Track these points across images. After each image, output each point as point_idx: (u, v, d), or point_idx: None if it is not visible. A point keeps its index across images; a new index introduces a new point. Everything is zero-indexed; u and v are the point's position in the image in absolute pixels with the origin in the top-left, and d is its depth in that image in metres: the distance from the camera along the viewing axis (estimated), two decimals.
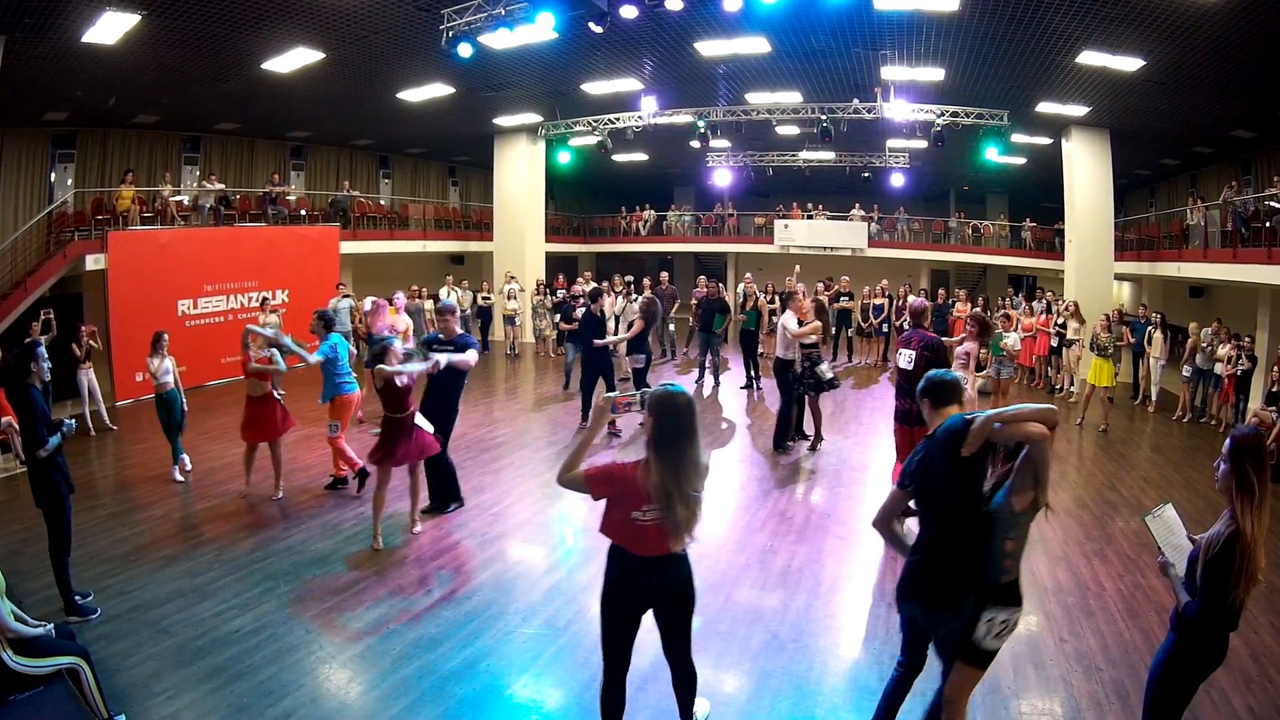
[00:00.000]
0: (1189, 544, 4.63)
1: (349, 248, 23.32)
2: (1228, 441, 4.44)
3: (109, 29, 13.34)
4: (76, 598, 7.04)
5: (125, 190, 18.78)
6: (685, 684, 5.29)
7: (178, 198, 20.04)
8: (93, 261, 16.80)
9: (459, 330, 9.93)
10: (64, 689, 4.98)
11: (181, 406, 11.46)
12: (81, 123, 19.16)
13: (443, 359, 9.21)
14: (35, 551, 7.39)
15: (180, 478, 11.19)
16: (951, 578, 4.59)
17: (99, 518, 9.65)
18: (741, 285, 21.50)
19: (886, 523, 5.00)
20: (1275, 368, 13.84)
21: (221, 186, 21.29)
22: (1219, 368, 15.96)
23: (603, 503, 4.84)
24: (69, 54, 14.21)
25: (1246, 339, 15.92)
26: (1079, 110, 19.60)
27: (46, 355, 7.29)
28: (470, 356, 9.52)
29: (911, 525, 5.29)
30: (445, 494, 10.04)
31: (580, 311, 16.24)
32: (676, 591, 4.97)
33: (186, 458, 11.50)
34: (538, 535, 9.47)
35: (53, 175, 19.15)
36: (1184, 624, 4.35)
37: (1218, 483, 4.47)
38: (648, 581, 4.85)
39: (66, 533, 6.97)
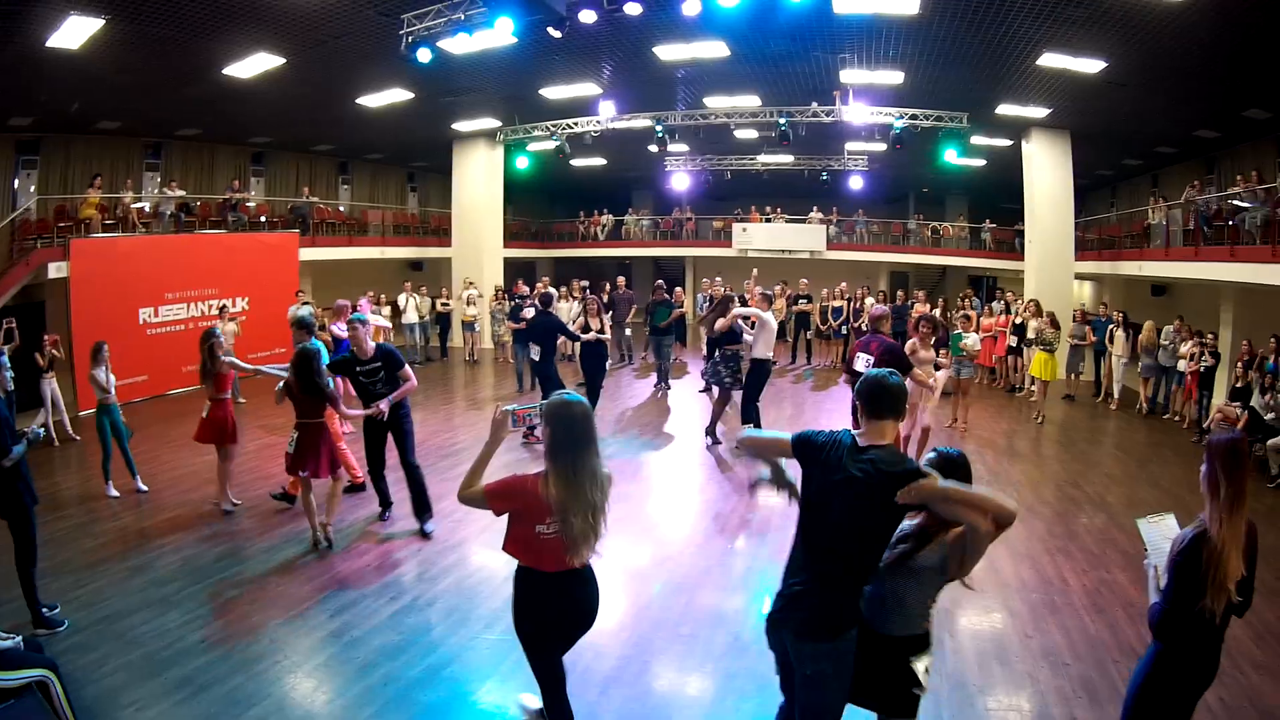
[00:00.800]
0: None
1: (308, 254, 23.14)
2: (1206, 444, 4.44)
3: (73, 33, 13.28)
4: (44, 609, 7.00)
5: (93, 195, 18.61)
6: None
7: (139, 204, 19.88)
8: (55, 269, 16.59)
9: (372, 345, 9.29)
10: (34, 702, 4.96)
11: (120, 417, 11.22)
12: (46, 129, 18.96)
13: (384, 405, 9.01)
14: (1, 564, 7.34)
15: (144, 487, 11.10)
16: (837, 608, 4.17)
17: (65, 528, 9.58)
18: (704, 291, 21.62)
19: (763, 448, 4.79)
20: (1239, 364, 14.03)
21: (182, 193, 21.14)
22: (1182, 365, 16.17)
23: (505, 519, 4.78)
24: (33, 59, 14.09)
25: (1209, 336, 16.14)
26: (1040, 112, 19.84)
27: (9, 365, 7.25)
28: (408, 379, 9.31)
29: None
30: (422, 505, 9.74)
31: (528, 312, 16.26)
32: (583, 609, 4.86)
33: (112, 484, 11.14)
34: (499, 541, 9.25)
35: (16, 182, 18.93)
36: (1156, 630, 4.36)
37: (1201, 485, 4.44)
38: (556, 599, 4.76)
39: (32, 544, 6.91)
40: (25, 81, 15.33)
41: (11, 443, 6.74)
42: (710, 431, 13.86)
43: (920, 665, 4.38)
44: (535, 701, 5.39)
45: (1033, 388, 17.71)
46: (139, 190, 20.65)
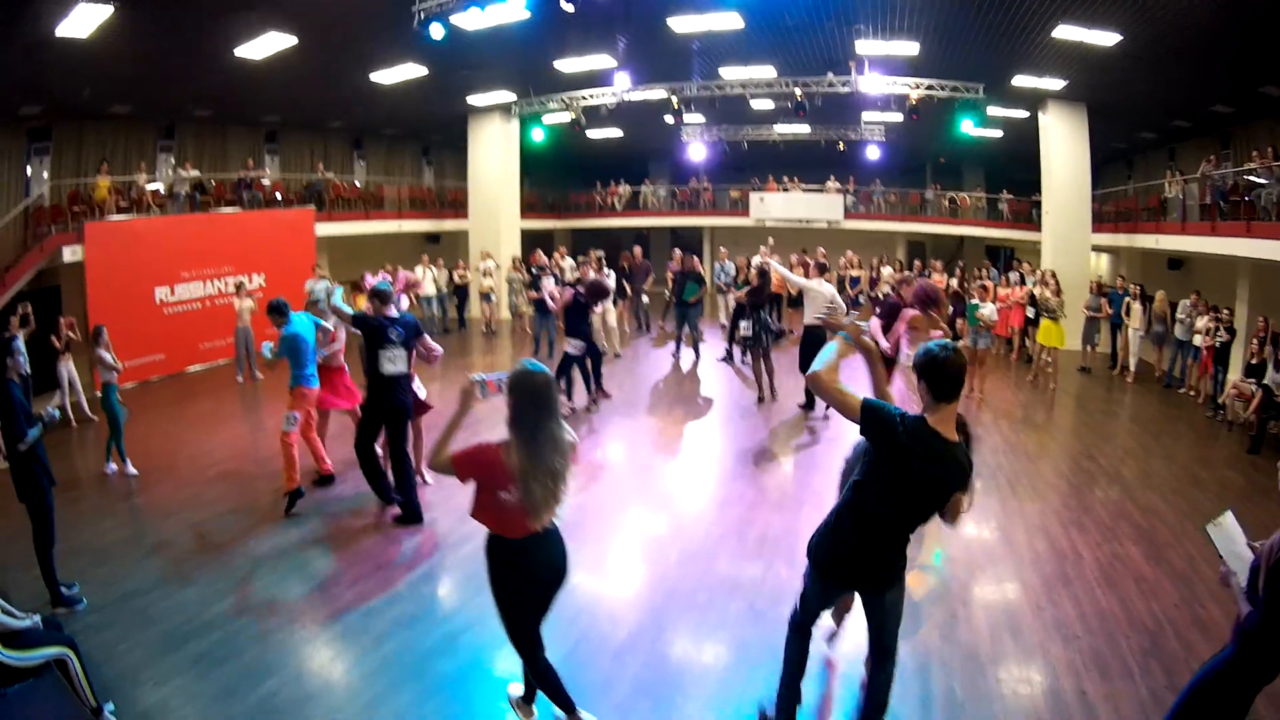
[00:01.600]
0: (1250, 553, 4.53)
1: (324, 230, 23.22)
2: None
3: (82, 22, 13.25)
4: (63, 589, 7.05)
5: (101, 180, 18.64)
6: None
7: (153, 186, 19.91)
8: (70, 253, 16.68)
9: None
10: (53, 680, 5.00)
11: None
12: (56, 116, 18.91)
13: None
14: (20, 546, 7.37)
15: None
16: (901, 562, 4.72)
17: (83, 509, 9.63)
18: (722, 261, 21.61)
19: (827, 393, 4.44)
20: (1254, 340, 13.95)
21: (196, 174, 21.18)
22: (1198, 339, 16.06)
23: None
24: (43, 48, 14.05)
25: (1225, 311, 15.99)
26: (1055, 84, 19.65)
27: (24, 349, 7.27)
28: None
29: None
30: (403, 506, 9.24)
31: (547, 282, 16.37)
32: (550, 571, 4.94)
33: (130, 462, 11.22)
34: None
35: (29, 169, 18.91)
36: (1245, 636, 4.25)
37: None
38: (524, 564, 4.83)
39: (50, 525, 6.97)
40: (35, 71, 15.32)
41: (27, 426, 6.79)
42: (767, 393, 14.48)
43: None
44: (520, 689, 5.50)
45: (1046, 357, 17.68)
46: (153, 172, 20.67)
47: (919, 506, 4.39)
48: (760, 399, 14.38)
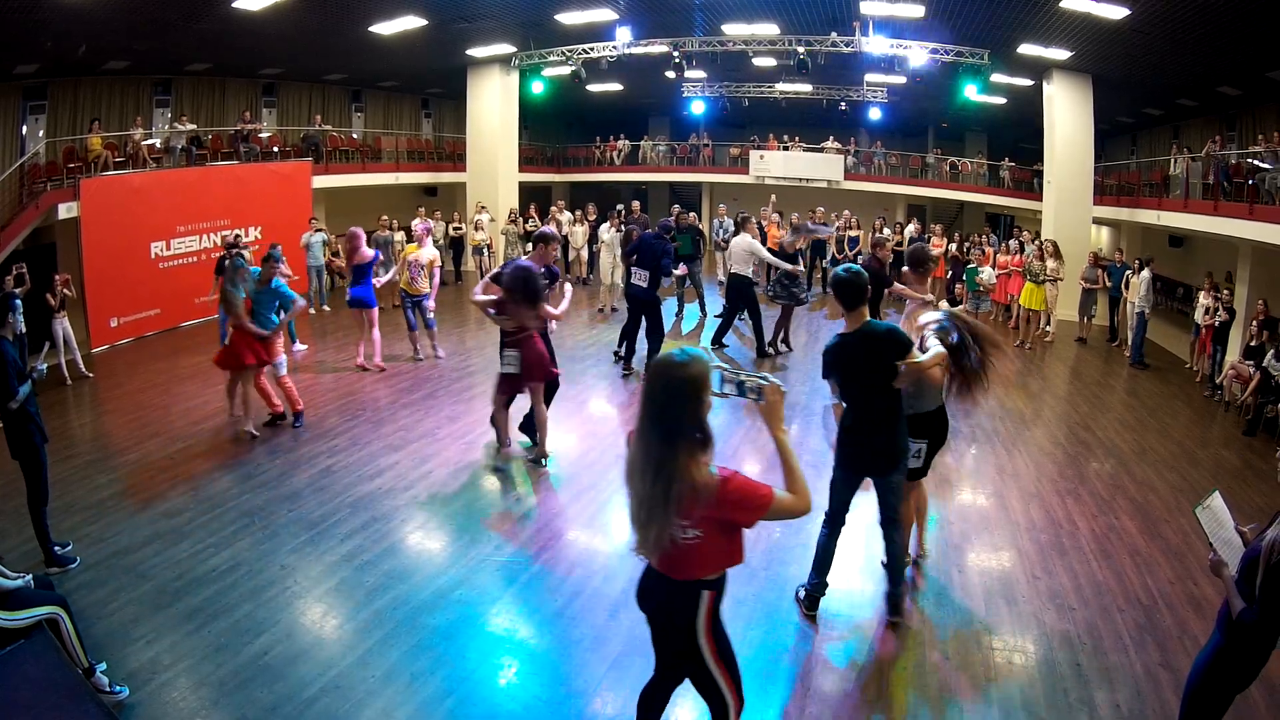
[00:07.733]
0: (1238, 538, 4.50)
1: (321, 182, 23.05)
2: None
3: None
4: (56, 548, 7.03)
5: (94, 139, 18.46)
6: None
7: (149, 141, 19.69)
8: (65, 210, 16.48)
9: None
10: (45, 641, 4.93)
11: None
12: (52, 74, 18.66)
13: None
14: (13, 506, 7.42)
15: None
16: (894, 448, 6.13)
17: (76, 466, 9.56)
18: (720, 218, 21.51)
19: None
20: (1254, 323, 13.98)
21: (193, 127, 20.99)
22: (1198, 316, 16.11)
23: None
24: (37, 5, 13.89)
25: (1225, 291, 16.04)
26: (1061, 54, 19.48)
27: (21, 308, 7.21)
28: None
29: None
30: None
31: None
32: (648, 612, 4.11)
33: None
34: (509, 463, 9.53)
35: (24, 128, 18.69)
36: (1236, 628, 4.15)
37: None
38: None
39: (44, 483, 6.94)
40: (30, 29, 15.11)
41: (18, 384, 6.73)
42: (772, 343, 14.95)
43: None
44: None
45: (1048, 327, 17.74)
46: (149, 127, 20.47)
47: (868, 379, 5.90)
48: (762, 353, 14.73)
